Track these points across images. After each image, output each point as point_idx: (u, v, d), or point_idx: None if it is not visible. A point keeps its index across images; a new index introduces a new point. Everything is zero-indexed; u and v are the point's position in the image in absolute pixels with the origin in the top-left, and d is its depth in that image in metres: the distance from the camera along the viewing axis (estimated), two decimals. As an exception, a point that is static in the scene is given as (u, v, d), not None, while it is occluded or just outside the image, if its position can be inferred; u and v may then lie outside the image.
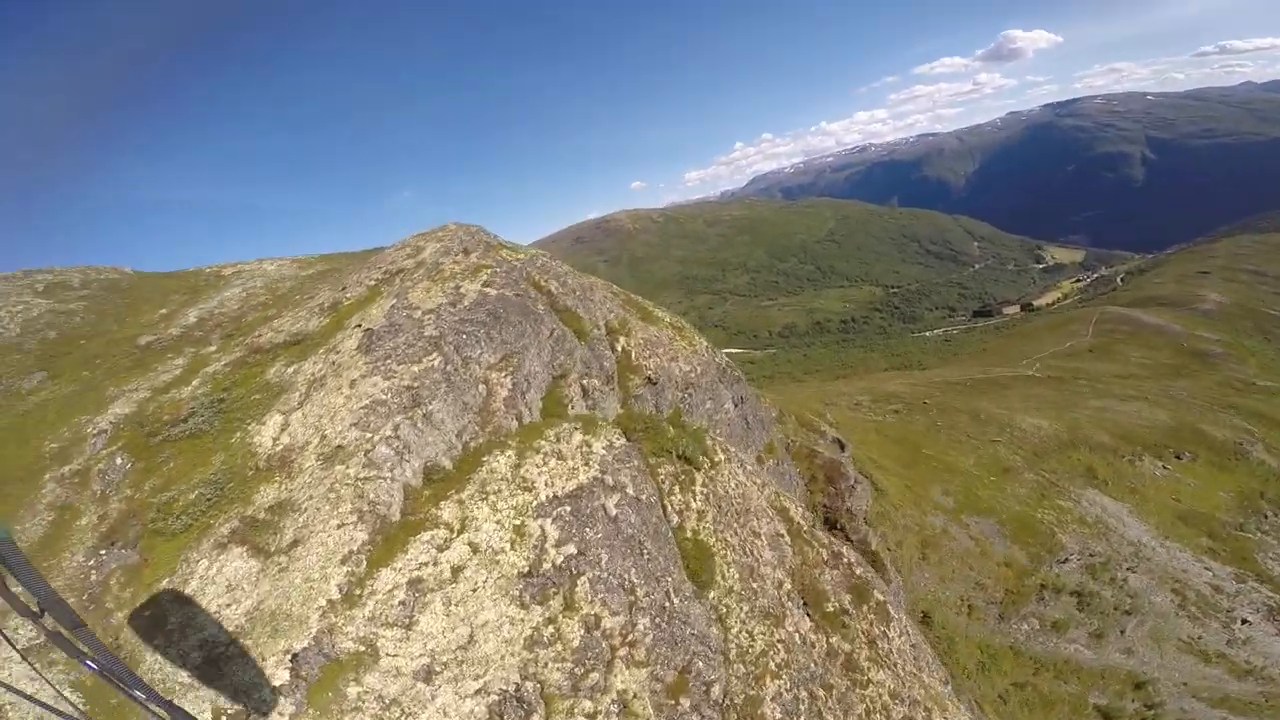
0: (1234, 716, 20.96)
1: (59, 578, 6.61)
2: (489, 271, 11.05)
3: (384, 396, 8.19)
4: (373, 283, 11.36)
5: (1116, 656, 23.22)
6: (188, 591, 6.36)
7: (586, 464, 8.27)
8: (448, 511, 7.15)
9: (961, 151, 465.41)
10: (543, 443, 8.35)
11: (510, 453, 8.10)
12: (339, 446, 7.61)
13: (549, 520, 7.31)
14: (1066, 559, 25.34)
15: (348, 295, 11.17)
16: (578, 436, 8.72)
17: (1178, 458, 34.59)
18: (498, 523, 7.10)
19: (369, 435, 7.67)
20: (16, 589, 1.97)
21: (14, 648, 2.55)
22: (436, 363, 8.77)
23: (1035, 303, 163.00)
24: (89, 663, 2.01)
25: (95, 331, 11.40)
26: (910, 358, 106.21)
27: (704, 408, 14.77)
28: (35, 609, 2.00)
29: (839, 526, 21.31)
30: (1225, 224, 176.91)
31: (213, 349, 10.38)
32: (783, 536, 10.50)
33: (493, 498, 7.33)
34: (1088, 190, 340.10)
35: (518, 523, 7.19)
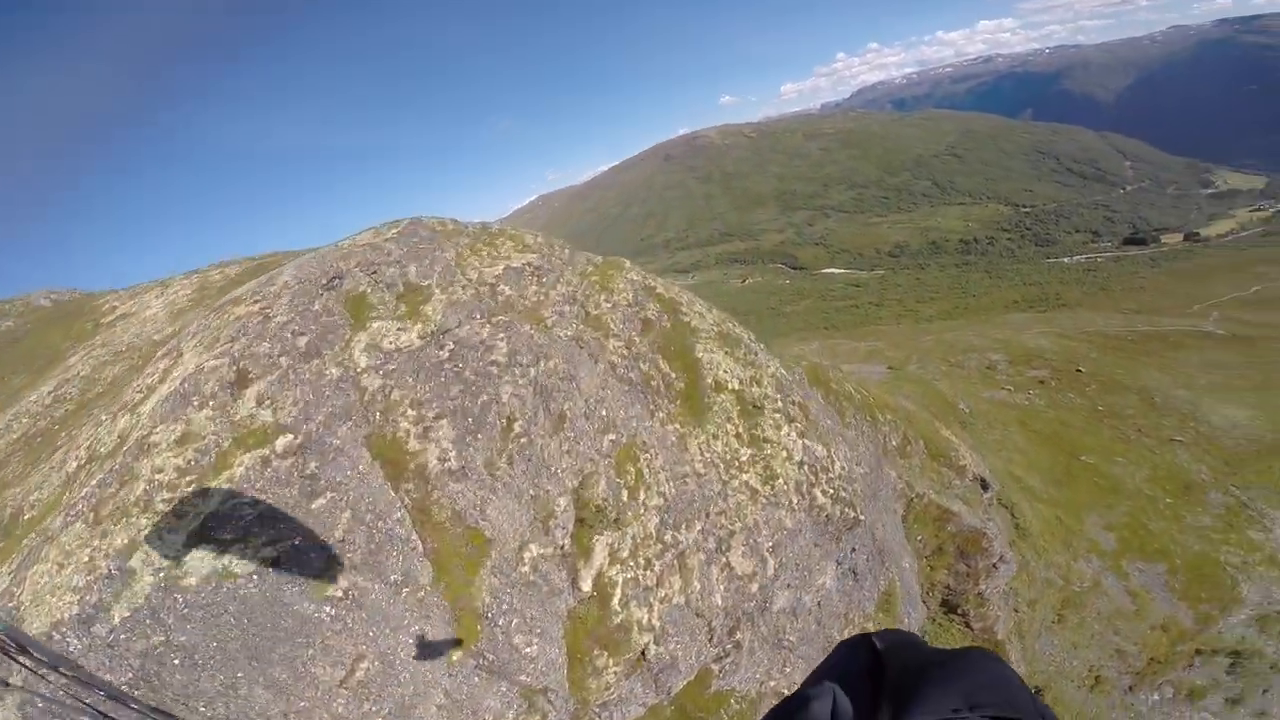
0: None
1: None
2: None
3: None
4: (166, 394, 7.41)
5: (1243, 722, 19.40)
6: None
7: None
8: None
9: (1112, 65, 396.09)
10: None
11: None
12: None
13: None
14: (1242, 613, 21.07)
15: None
16: None
17: None
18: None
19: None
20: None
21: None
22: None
23: (1202, 232, 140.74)
24: (99, 691, 2.61)
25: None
26: (1047, 289, 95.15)
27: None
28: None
29: (960, 611, 17.83)
30: None
31: None
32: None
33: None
34: (1273, 113, 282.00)
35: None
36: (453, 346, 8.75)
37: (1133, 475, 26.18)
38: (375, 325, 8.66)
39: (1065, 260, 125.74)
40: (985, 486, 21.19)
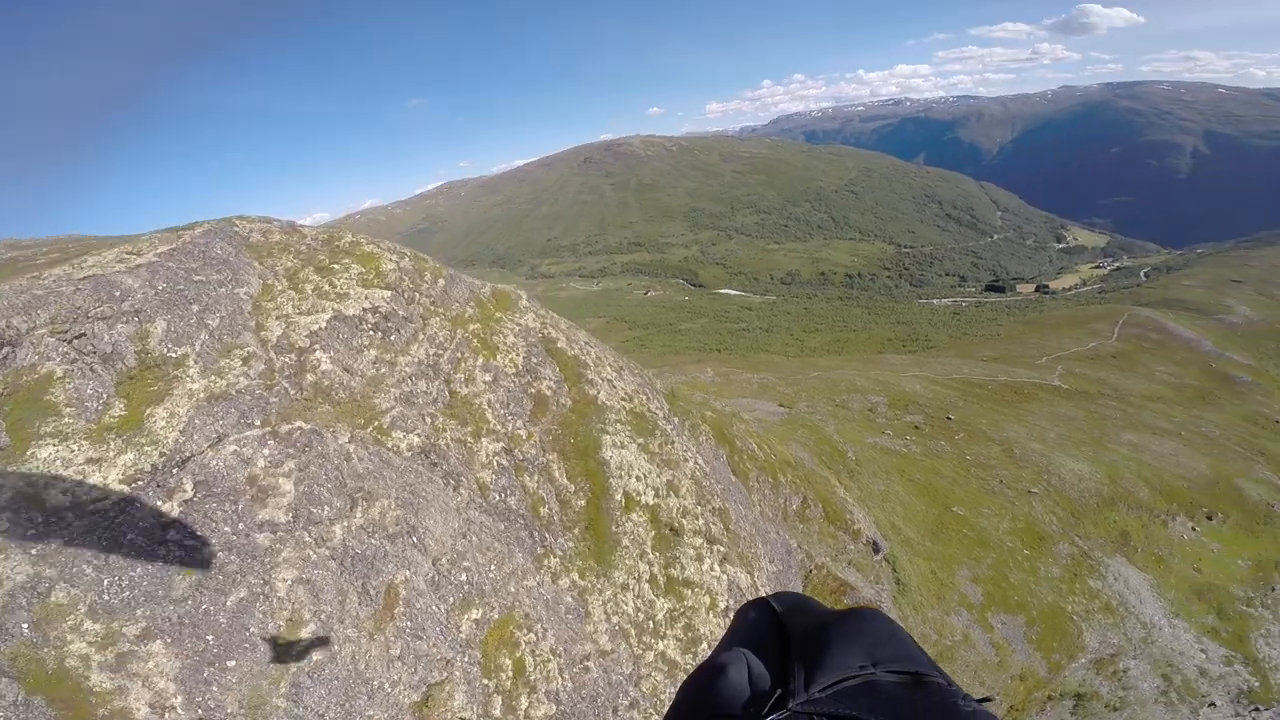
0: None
1: None
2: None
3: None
4: None
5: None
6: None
7: None
8: None
9: (1003, 118, 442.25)
10: None
11: None
12: None
13: None
14: (1083, 658, 21.96)
15: None
16: None
17: (1209, 519, 30.96)
18: None
19: None
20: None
21: None
22: None
23: (1051, 285, 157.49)
24: None
25: None
26: (918, 329, 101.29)
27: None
28: None
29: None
30: (1264, 231, 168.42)
31: None
32: None
33: None
34: (1125, 176, 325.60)
35: None
36: (189, 493, 4.63)
37: (997, 527, 26.82)
38: (46, 453, 4.40)
39: (935, 302, 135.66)
40: (877, 549, 20.87)
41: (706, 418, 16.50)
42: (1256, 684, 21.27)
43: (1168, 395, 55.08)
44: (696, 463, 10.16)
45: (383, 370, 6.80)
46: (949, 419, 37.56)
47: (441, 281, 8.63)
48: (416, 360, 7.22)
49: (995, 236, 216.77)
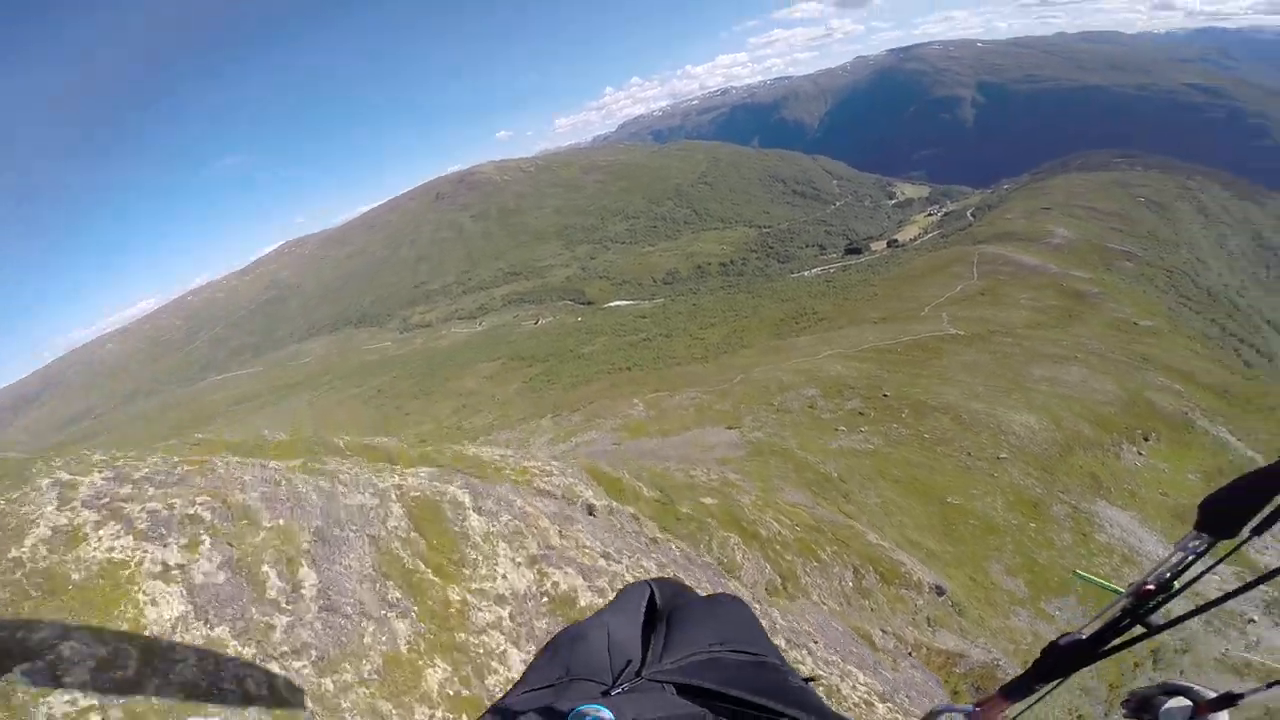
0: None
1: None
2: None
3: None
4: None
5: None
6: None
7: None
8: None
9: (815, 94, 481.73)
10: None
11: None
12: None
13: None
14: None
15: None
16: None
17: (1146, 439, 32.62)
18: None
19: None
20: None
21: None
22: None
23: (899, 238, 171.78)
24: None
25: None
26: (803, 304, 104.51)
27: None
28: None
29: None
30: (1047, 162, 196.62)
31: None
32: None
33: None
34: (927, 131, 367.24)
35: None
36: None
37: (994, 507, 25.62)
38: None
39: (805, 274, 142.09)
40: (940, 592, 18.17)
41: (716, 515, 13.00)
42: (1277, 594, 21.51)
43: (1043, 320, 60.07)
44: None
45: None
46: (885, 396, 37.10)
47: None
48: None
49: (837, 204, 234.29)
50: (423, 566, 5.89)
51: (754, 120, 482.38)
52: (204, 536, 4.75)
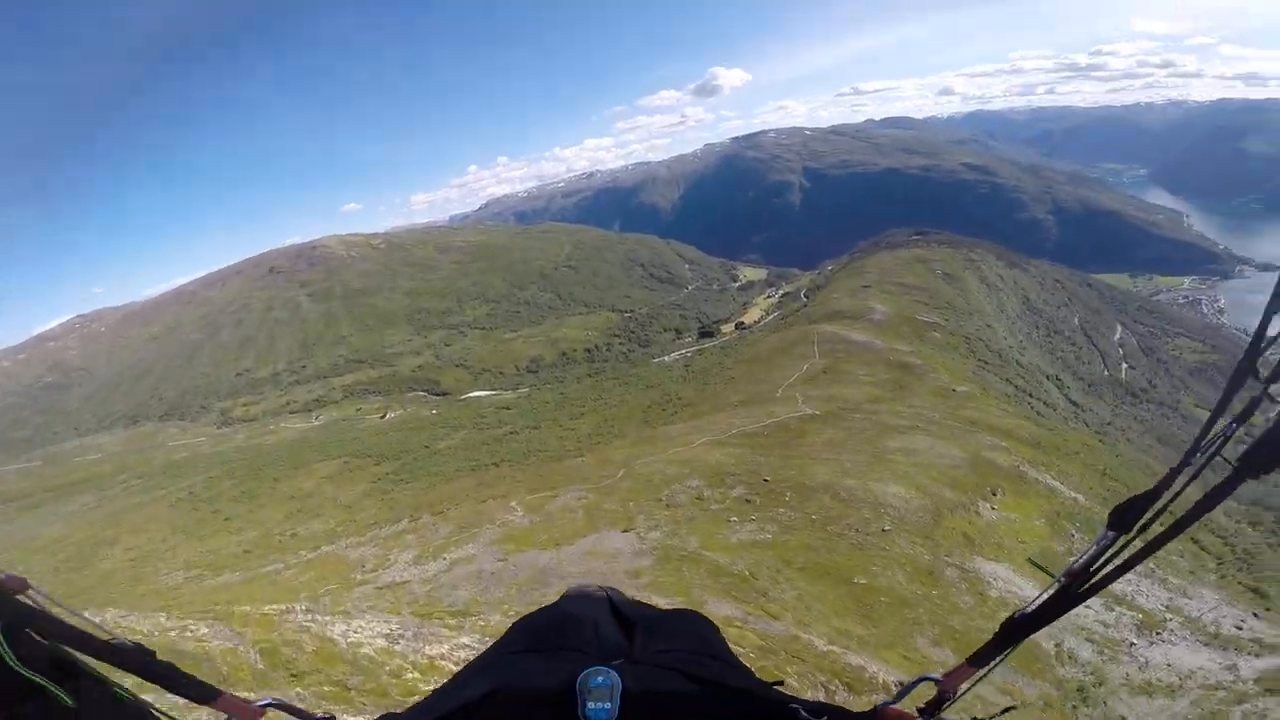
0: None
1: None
2: None
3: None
4: None
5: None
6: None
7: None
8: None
9: (669, 179, 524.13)
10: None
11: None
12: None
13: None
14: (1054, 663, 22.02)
15: None
16: None
17: (994, 494, 35.38)
18: None
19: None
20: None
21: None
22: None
23: (745, 320, 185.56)
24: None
25: None
26: (667, 390, 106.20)
27: None
28: None
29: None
30: (861, 242, 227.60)
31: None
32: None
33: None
34: (763, 215, 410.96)
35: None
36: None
37: (897, 580, 25.17)
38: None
39: (666, 359, 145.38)
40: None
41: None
42: (1139, 616, 23.41)
43: (880, 395, 65.80)
44: None
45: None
46: (766, 480, 36.79)
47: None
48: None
49: (689, 288, 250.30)
50: None
51: (616, 204, 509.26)
52: None
